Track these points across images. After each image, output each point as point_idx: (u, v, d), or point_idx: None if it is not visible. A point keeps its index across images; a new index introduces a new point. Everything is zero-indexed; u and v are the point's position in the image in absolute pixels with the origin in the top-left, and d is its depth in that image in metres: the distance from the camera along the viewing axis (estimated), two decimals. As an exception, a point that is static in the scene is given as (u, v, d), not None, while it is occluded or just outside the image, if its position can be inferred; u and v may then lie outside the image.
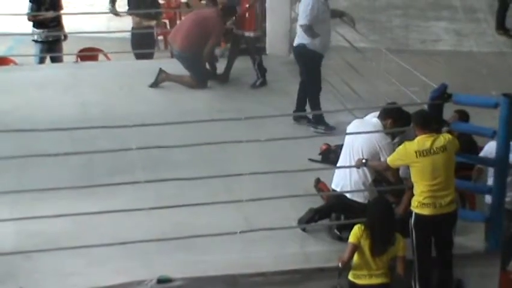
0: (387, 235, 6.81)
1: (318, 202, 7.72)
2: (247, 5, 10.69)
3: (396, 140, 7.78)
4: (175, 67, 10.75)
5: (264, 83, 10.77)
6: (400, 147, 7.13)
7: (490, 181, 7.63)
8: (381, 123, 7.53)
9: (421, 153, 6.89)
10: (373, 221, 6.81)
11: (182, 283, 6.87)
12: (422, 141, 6.94)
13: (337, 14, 10.07)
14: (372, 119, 7.65)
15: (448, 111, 7.85)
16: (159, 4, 12.44)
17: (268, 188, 7.69)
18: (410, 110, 7.55)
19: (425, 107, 7.59)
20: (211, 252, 7.15)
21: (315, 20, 9.46)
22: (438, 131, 7.09)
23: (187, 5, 13.02)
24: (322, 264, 7.13)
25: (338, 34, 10.57)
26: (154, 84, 10.64)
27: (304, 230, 7.53)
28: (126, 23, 13.12)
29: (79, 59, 11.86)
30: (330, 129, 9.47)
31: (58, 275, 6.86)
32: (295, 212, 7.57)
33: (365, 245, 6.77)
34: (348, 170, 7.51)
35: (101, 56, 12.12)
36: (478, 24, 16.03)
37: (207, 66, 10.77)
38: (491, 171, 7.61)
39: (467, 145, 8.00)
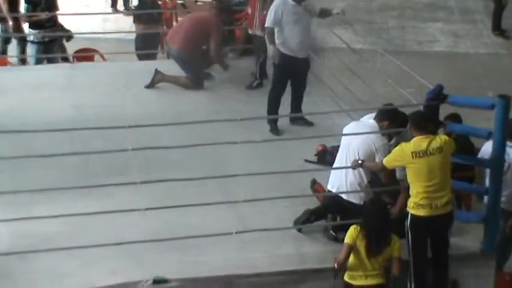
0: (383, 236, 6.81)
1: (313, 203, 7.72)
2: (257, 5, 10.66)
3: (393, 141, 7.78)
4: (171, 68, 10.74)
5: (260, 85, 10.76)
6: (397, 148, 7.13)
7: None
8: (377, 125, 7.54)
9: (417, 154, 6.89)
10: (369, 222, 6.82)
11: (178, 284, 6.86)
12: (418, 142, 6.94)
13: (325, 14, 9.88)
14: (369, 121, 7.65)
15: (445, 113, 7.85)
16: (160, 7, 12.42)
17: (263, 189, 7.68)
18: (407, 111, 7.56)
19: (422, 108, 7.59)
20: (206, 252, 7.14)
21: (277, 23, 9.40)
22: (434, 132, 7.09)
23: (183, 5, 13.04)
24: (317, 265, 7.12)
25: (335, 35, 10.58)
26: (151, 85, 10.63)
27: (299, 230, 7.53)
28: (122, 24, 13.15)
29: (75, 60, 11.85)
30: (276, 134, 9.44)
31: (53, 275, 6.84)
32: (290, 212, 7.57)
33: (361, 245, 6.77)
34: (343, 171, 7.51)
35: (96, 57, 12.11)
36: (474, 25, 16.05)
37: (219, 66, 10.74)
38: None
39: (464, 147, 7.99)
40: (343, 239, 6.89)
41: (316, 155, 8.79)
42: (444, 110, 7.70)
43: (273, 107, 9.58)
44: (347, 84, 10.28)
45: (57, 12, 11.88)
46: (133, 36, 12.53)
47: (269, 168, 7.88)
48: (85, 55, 12.01)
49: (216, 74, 10.98)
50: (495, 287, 7.42)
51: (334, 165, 7.66)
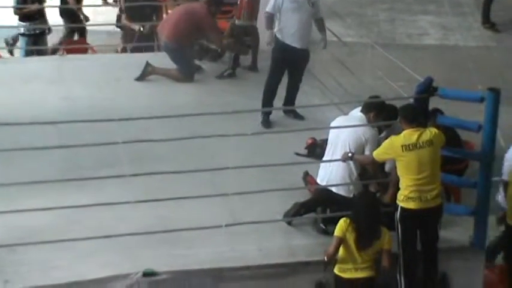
0: (373, 229, 6.83)
1: (303, 196, 7.73)
2: None
3: (383, 134, 7.80)
4: (162, 61, 10.72)
5: (232, 75, 10.78)
6: (387, 141, 7.15)
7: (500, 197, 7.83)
8: (365, 117, 7.55)
9: (407, 147, 6.91)
10: (359, 215, 6.83)
11: (167, 276, 6.87)
12: (408, 135, 6.96)
13: (321, 28, 9.75)
14: (357, 113, 7.67)
15: (434, 105, 7.86)
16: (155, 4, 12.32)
17: (254, 182, 7.68)
18: (397, 104, 7.57)
19: (412, 101, 7.61)
20: (196, 245, 7.15)
21: (277, 9, 9.41)
22: (424, 125, 7.11)
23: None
24: (307, 257, 7.14)
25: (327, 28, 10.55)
26: (141, 78, 10.61)
27: (289, 223, 7.54)
28: (113, 16, 13.09)
29: (65, 52, 11.82)
30: (266, 126, 9.45)
31: (44, 268, 6.84)
32: (280, 205, 7.58)
33: (350, 238, 6.79)
34: (333, 164, 7.52)
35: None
36: (464, 18, 16.05)
37: (231, 60, 10.76)
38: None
39: (452, 139, 8.01)
40: (333, 232, 6.90)
41: (306, 148, 8.80)
42: (434, 103, 7.71)
43: (268, 97, 9.56)
44: (337, 78, 10.29)
45: (46, 4, 11.83)
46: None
47: (260, 161, 7.89)
48: (75, 47, 11.97)
49: (205, 66, 10.97)
50: (484, 279, 7.46)
51: (324, 159, 7.68)
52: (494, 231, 7.96)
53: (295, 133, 8.62)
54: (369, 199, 7.04)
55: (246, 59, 10.98)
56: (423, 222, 7.03)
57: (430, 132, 7.00)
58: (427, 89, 7.51)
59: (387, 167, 7.54)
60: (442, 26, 15.83)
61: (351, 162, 7.42)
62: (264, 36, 10.14)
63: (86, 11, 13.15)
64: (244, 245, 7.22)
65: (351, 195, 7.38)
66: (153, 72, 10.64)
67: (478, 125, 7.30)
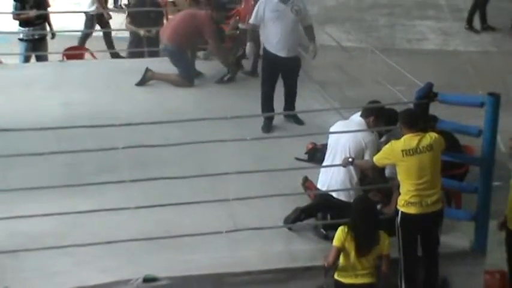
0: (371, 234, 6.80)
1: (304, 201, 7.73)
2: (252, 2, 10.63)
3: (383, 138, 7.81)
4: (162, 66, 10.73)
5: (231, 79, 10.78)
6: (387, 146, 7.14)
7: None
8: (364, 122, 7.55)
9: (408, 152, 6.91)
10: (356, 221, 6.80)
11: (168, 282, 6.86)
12: (408, 140, 6.96)
13: (310, 36, 9.65)
14: (356, 118, 7.67)
15: (434, 110, 7.87)
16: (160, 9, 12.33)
17: (254, 187, 7.68)
18: (397, 109, 7.57)
19: (411, 105, 7.61)
20: (197, 251, 7.14)
21: (260, 19, 9.38)
22: (424, 130, 7.11)
23: (173, 3, 13.03)
24: (308, 263, 7.13)
25: (325, 33, 10.58)
26: (141, 83, 10.63)
27: (290, 229, 7.53)
28: (112, 21, 13.12)
29: (65, 58, 11.83)
30: (266, 131, 9.44)
31: (45, 274, 6.83)
32: (281, 211, 7.57)
33: (350, 246, 6.76)
34: (333, 169, 7.52)
35: (86, 55, 12.09)
36: (463, 23, 16.07)
37: (232, 66, 10.75)
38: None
39: (452, 144, 8.01)
40: (334, 237, 6.89)
41: (306, 153, 8.80)
42: (434, 108, 7.72)
43: (265, 103, 9.58)
44: (337, 82, 10.30)
45: (47, 10, 11.84)
46: (124, 34, 12.50)
47: (260, 166, 7.89)
48: (75, 53, 11.98)
49: (205, 71, 10.98)
50: (485, 284, 7.46)
51: (324, 164, 7.68)
52: (495, 236, 7.95)
53: (295, 138, 8.62)
54: (365, 203, 7.01)
55: (246, 63, 10.98)
56: (424, 227, 7.03)
57: (430, 137, 7.00)
58: (427, 94, 7.52)
59: (387, 172, 7.53)
60: (442, 31, 15.85)
61: (351, 167, 7.42)
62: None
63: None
64: (245, 250, 7.22)
65: (352, 200, 7.37)
66: (153, 77, 10.66)
67: (478, 130, 7.30)
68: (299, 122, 9.65)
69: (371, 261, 6.85)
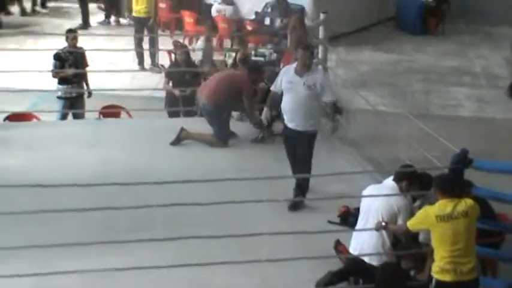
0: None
1: (336, 265, 7.68)
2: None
3: (417, 203, 7.76)
4: (196, 126, 10.81)
5: (265, 138, 10.77)
6: (421, 211, 7.10)
7: None
8: (397, 186, 7.52)
9: (442, 218, 6.85)
10: (381, 286, 6.71)
11: None
12: (443, 205, 6.91)
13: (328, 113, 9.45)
14: (389, 182, 7.64)
15: (469, 177, 7.82)
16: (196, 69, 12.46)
17: (286, 249, 7.65)
18: (432, 174, 7.54)
19: (446, 171, 7.57)
20: (228, 312, 7.11)
21: (278, 88, 9.27)
22: (460, 196, 7.05)
23: (213, 63, 13.14)
24: (340, 327, 7.07)
25: (360, 97, 10.61)
26: (176, 142, 10.70)
27: (322, 292, 7.48)
28: (149, 81, 13.27)
29: (101, 116, 11.96)
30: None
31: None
32: (312, 274, 7.52)
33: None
34: (365, 233, 7.47)
35: (123, 114, 12.22)
36: (499, 90, 16.04)
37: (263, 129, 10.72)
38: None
39: (486, 211, 7.93)
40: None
41: (339, 216, 8.76)
42: (468, 175, 7.67)
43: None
44: (370, 146, 10.28)
45: (86, 68, 12.01)
46: (160, 93, 12.63)
47: (293, 228, 7.86)
48: (111, 111, 12.11)
49: (238, 132, 11.04)
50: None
51: (356, 228, 7.64)
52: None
53: (329, 200, 8.60)
54: (390, 269, 6.93)
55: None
56: (459, 296, 6.93)
57: (466, 203, 6.94)
58: (462, 160, 7.48)
59: (421, 238, 7.47)
60: (477, 97, 15.81)
61: (384, 232, 7.37)
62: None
63: (124, 76, 13.32)
64: (275, 313, 7.17)
65: (385, 266, 7.31)
66: (187, 137, 10.72)
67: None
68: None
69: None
